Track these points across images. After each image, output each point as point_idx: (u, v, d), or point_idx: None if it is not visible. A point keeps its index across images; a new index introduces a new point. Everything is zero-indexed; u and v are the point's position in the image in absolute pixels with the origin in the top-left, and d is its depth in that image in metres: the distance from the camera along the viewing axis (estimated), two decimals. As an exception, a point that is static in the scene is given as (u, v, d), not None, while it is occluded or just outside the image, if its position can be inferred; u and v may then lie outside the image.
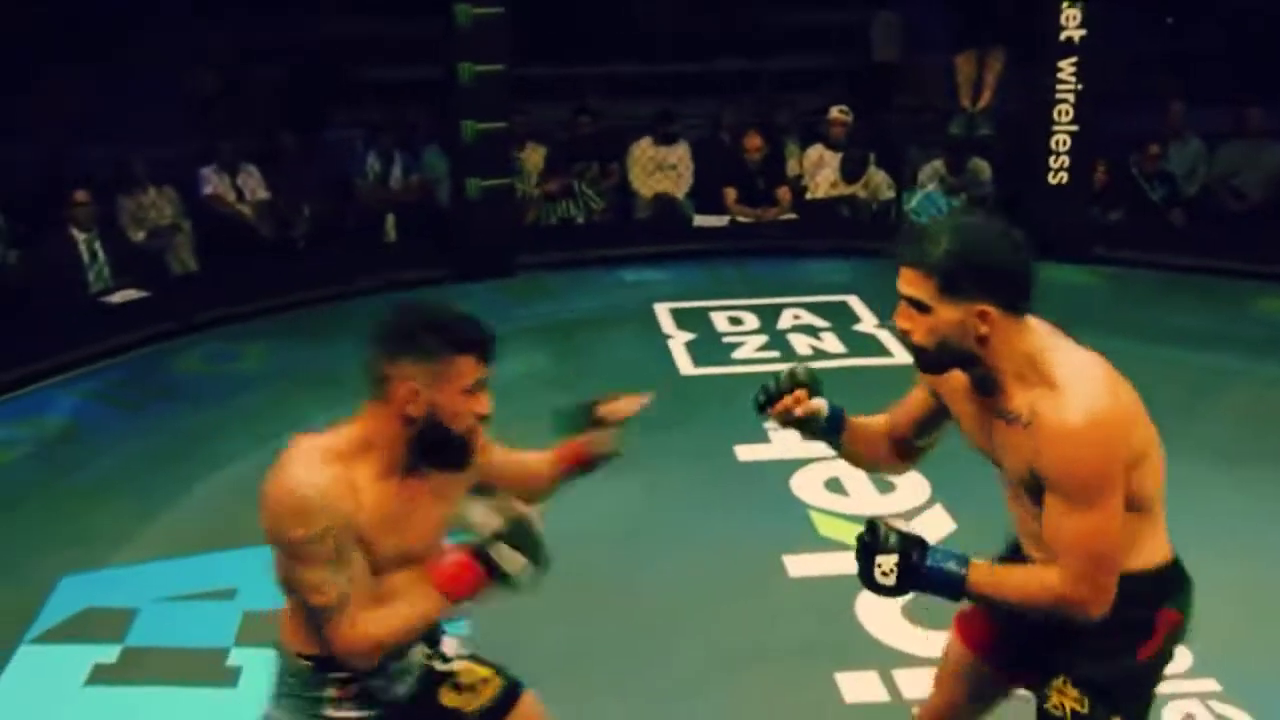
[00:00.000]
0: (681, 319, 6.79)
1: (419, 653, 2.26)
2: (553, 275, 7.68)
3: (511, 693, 2.38)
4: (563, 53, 9.34)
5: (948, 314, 1.97)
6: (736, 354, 6.25)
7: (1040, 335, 2.06)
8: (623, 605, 3.90)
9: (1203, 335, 6.32)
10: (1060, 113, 7.59)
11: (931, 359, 2.05)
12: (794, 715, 3.32)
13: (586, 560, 4.15)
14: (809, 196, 8.49)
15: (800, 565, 4.08)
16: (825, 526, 4.35)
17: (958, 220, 2.13)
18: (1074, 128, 7.57)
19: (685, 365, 6.12)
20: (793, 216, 8.39)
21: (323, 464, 2.01)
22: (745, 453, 4.99)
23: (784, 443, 5.03)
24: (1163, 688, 3.32)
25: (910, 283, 2.01)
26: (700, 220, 8.39)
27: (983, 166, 8.29)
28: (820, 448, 5.00)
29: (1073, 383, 1.98)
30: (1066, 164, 7.65)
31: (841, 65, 9.89)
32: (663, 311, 6.94)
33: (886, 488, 4.59)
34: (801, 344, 6.37)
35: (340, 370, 6.10)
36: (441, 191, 8.12)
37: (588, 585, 4.00)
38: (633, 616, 3.84)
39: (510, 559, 2.03)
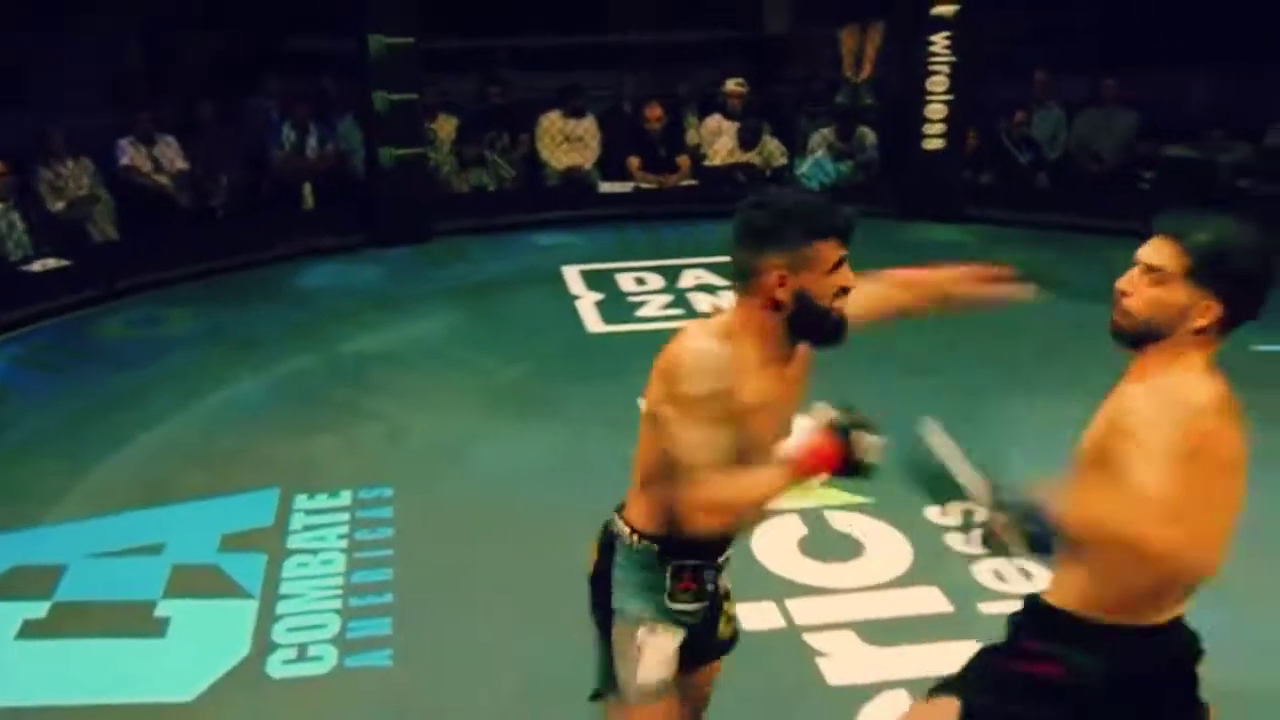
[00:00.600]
0: (590, 280, 6.78)
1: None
2: (468, 240, 7.60)
3: (735, 643, 2.40)
4: (471, 25, 9.17)
5: (1179, 295, 1.90)
6: (641, 312, 6.26)
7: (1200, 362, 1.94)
8: (553, 540, 3.89)
9: (1066, 286, 6.47)
10: (935, 83, 7.71)
11: (1128, 327, 1.97)
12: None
13: (520, 499, 4.19)
14: (707, 164, 8.50)
15: (702, 506, 4.12)
16: (725, 470, 4.38)
17: (1233, 219, 1.93)
18: (948, 97, 7.70)
19: (593, 323, 6.12)
20: (693, 182, 8.41)
21: (722, 339, 2.01)
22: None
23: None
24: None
25: (1159, 252, 1.91)
26: (606, 187, 8.36)
27: (868, 133, 8.39)
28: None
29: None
30: (941, 131, 7.78)
31: (736, 39, 9.88)
32: (572, 273, 6.91)
33: (781, 433, 4.64)
34: (703, 301, 6.40)
35: (261, 332, 5.99)
36: (357, 161, 7.96)
37: (520, 521, 4.04)
38: (562, 550, 3.84)
39: (866, 443, 1.96)
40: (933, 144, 7.82)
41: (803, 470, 1.95)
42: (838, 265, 2.03)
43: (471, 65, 9.09)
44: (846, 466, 1.95)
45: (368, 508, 4.17)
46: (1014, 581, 3.61)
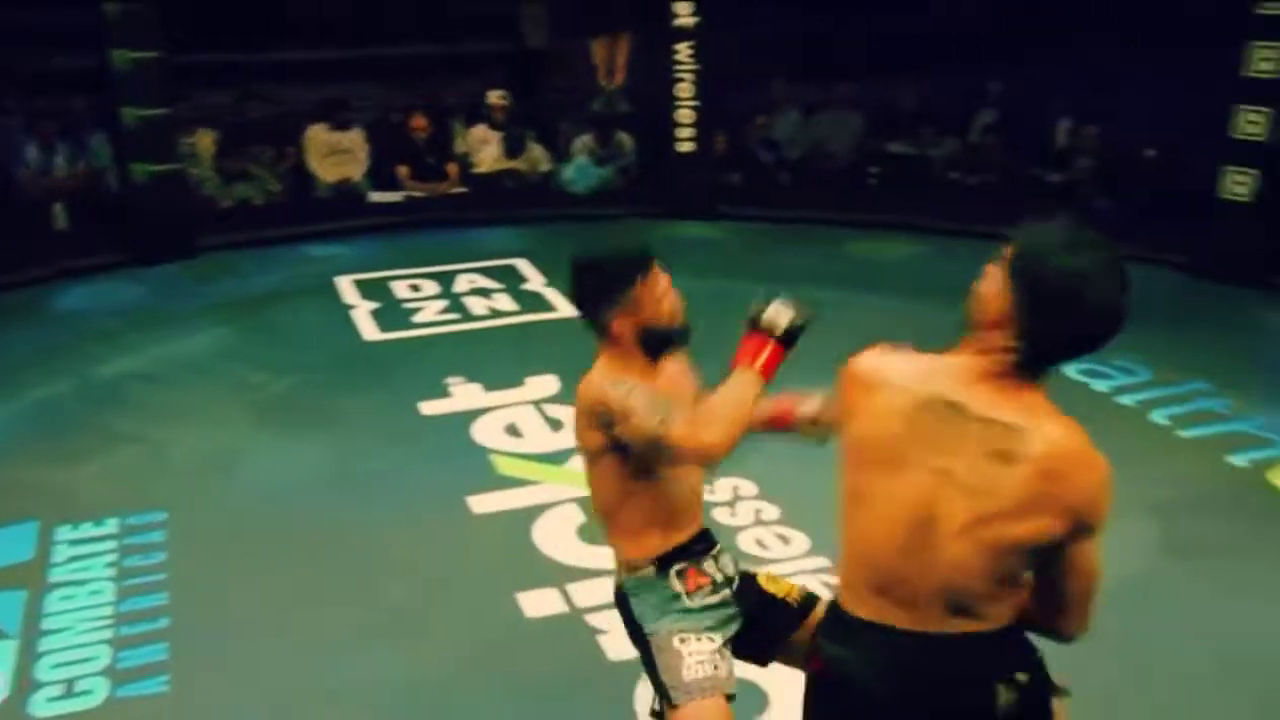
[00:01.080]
0: (364, 289, 6.54)
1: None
2: (235, 254, 7.19)
3: (813, 597, 2.33)
4: (229, 40, 8.67)
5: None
6: (417, 318, 6.09)
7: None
8: (327, 551, 3.74)
9: (808, 273, 6.74)
10: (682, 90, 7.88)
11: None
12: (484, 635, 3.30)
13: (293, 514, 3.98)
14: (475, 171, 8.39)
15: (482, 503, 4.05)
16: (504, 466, 4.33)
17: (1081, 251, 1.68)
18: (695, 103, 7.88)
19: (369, 331, 5.90)
20: (463, 190, 8.27)
21: (607, 372, 2.18)
22: (429, 408, 4.88)
23: (464, 396, 4.98)
24: (783, 569, 3.59)
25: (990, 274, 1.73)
26: (377, 196, 8.10)
27: (625, 139, 8.49)
28: (498, 397, 5.02)
29: None
30: (691, 134, 7.96)
31: (501, 52, 9.78)
32: (345, 283, 6.65)
33: (557, 426, 4.63)
34: (478, 305, 6.29)
35: (14, 358, 5.45)
36: (110, 178, 7.38)
37: (294, 536, 3.84)
38: (338, 561, 3.69)
39: (783, 312, 2.13)
40: (684, 147, 7.99)
41: (752, 363, 2.12)
42: (663, 288, 2.24)
43: (231, 79, 8.60)
44: (782, 340, 2.13)
45: (137, 533, 3.86)
46: (774, 548, 3.72)
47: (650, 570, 2.23)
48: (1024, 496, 1.64)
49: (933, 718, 1.75)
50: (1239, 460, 4.31)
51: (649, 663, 2.21)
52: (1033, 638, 1.82)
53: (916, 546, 1.71)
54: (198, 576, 3.60)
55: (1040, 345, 1.67)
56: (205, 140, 7.80)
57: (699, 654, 2.16)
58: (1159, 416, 4.72)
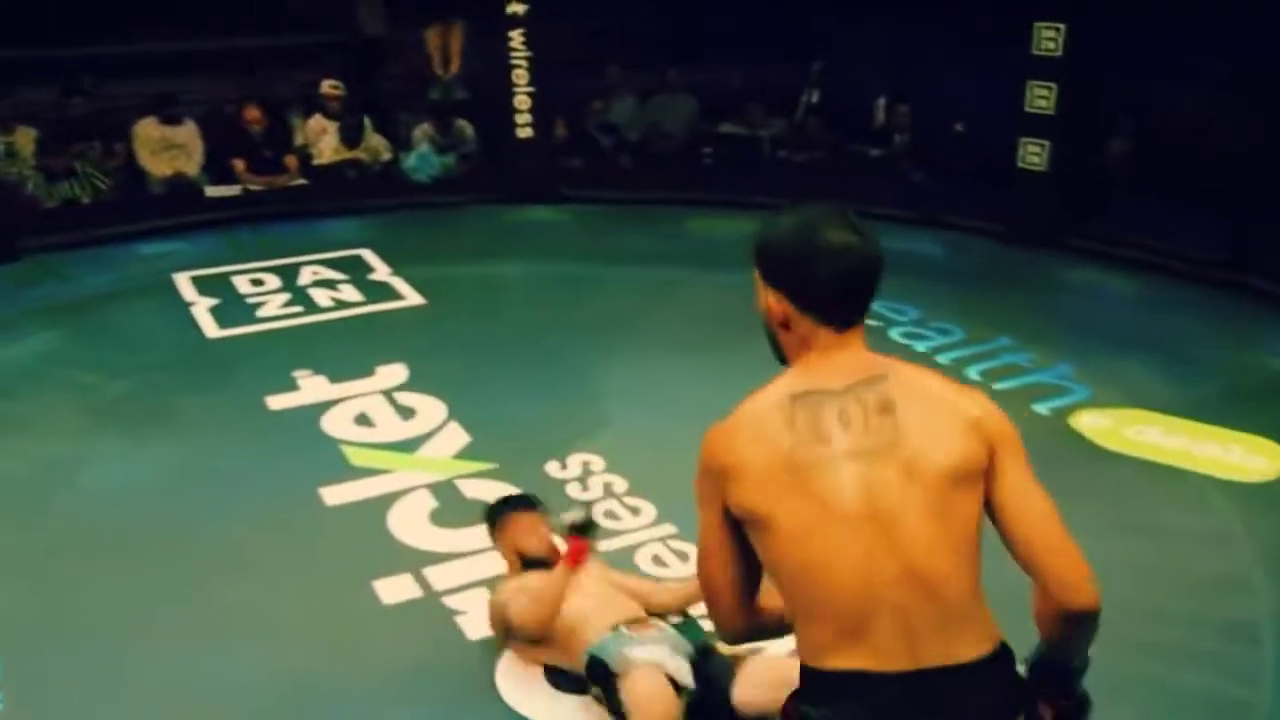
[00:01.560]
0: (203, 286, 6.25)
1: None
2: (62, 256, 6.76)
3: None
4: (48, 35, 8.11)
5: (762, 296, 1.70)
6: (261, 312, 5.85)
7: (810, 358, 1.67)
8: (178, 553, 3.58)
9: (651, 254, 6.83)
10: (518, 76, 7.81)
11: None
12: (343, 624, 3.23)
13: (140, 517, 3.80)
14: (315, 162, 8.09)
15: (336, 494, 3.94)
16: (356, 457, 4.23)
17: (791, 211, 1.71)
18: (531, 89, 7.83)
19: (210, 329, 5.64)
20: (303, 182, 7.97)
21: (509, 576, 3.16)
22: (276, 402, 4.72)
23: (312, 389, 4.83)
24: (634, 538, 3.64)
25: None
26: (213, 191, 7.73)
27: (465, 126, 8.35)
28: (347, 388, 4.89)
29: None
30: (529, 120, 7.91)
31: (335, 41, 9.46)
32: (183, 280, 6.33)
33: (408, 414, 4.55)
34: (322, 297, 6.10)
35: None
36: (-79, 180, 6.83)
37: (143, 539, 3.67)
38: (190, 560, 3.54)
39: (572, 515, 2.95)
40: (524, 133, 7.93)
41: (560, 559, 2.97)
42: (530, 526, 3.18)
43: (52, 75, 8.06)
44: (577, 532, 2.91)
45: (-32, 549, 3.61)
46: (625, 519, 3.76)
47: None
48: (928, 426, 1.58)
49: None
50: (1042, 409, 4.59)
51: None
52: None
53: (881, 551, 1.55)
54: (32, 588, 3.39)
55: (812, 299, 1.63)
56: (25, 138, 7.30)
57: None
58: (973, 372, 4.97)
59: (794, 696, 1.65)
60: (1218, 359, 5.15)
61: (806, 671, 1.62)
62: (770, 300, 1.68)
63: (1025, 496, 1.60)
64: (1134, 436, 4.34)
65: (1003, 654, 1.62)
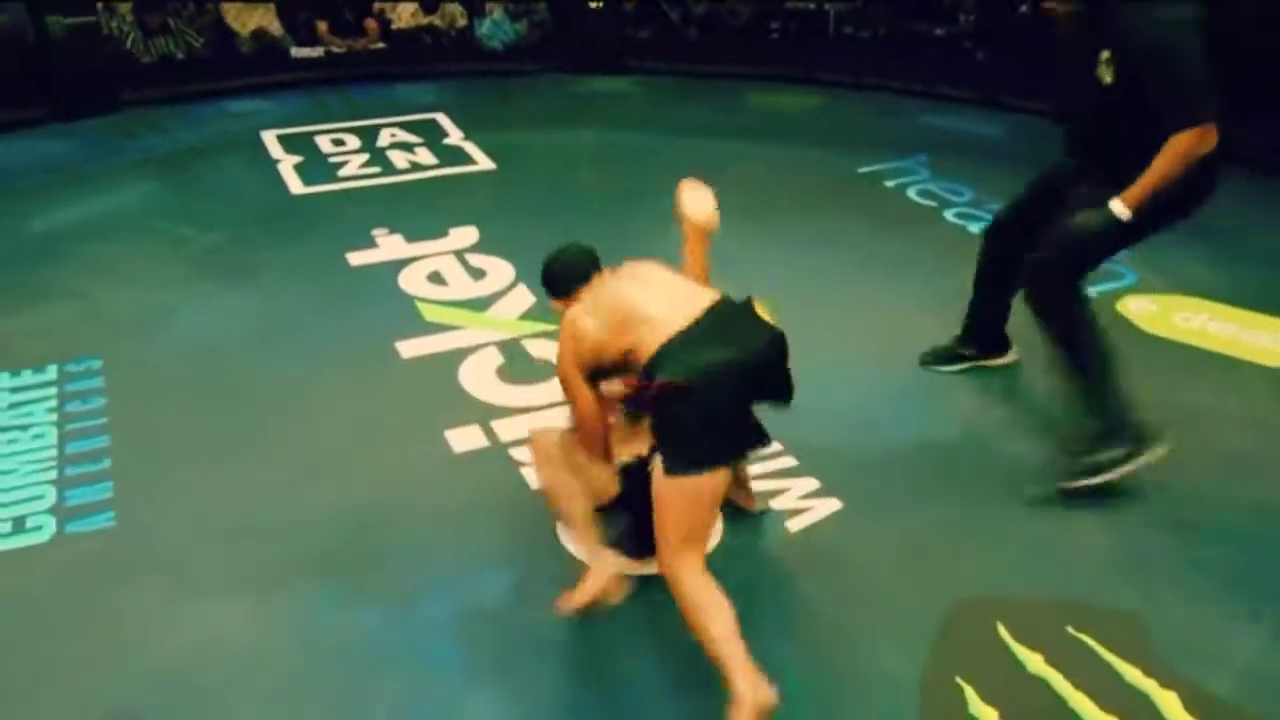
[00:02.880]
0: (288, 144, 6.16)
1: None
2: (159, 110, 6.69)
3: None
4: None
5: None
6: (342, 172, 5.76)
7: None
8: (263, 397, 3.62)
9: (714, 126, 6.59)
10: (593, -54, 7.42)
11: None
12: (415, 468, 3.25)
13: (227, 362, 3.83)
14: (394, 27, 7.86)
15: (410, 348, 3.93)
16: (430, 313, 4.20)
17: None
18: (604, -41, 7.44)
19: (295, 185, 5.58)
20: (382, 45, 7.76)
21: None
22: (356, 258, 4.68)
23: (389, 247, 4.78)
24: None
25: None
26: (297, 52, 7.55)
27: (538, -5, 8.00)
28: (422, 248, 4.84)
29: None
30: (602, -9, 7.55)
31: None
32: (270, 138, 6.24)
33: (479, 275, 4.49)
34: (400, 158, 5.98)
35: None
36: (26, 33, 6.72)
37: (229, 383, 3.69)
38: (271, 405, 3.57)
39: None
40: (594, 3, 7.58)
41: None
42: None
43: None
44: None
45: (76, 380, 3.68)
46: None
47: None
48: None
49: None
50: (1090, 292, 4.37)
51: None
52: None
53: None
54: (137, 421, 3.46)
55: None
56: (122, -6, 7.15)
57: None
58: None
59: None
60: (1273, 248, 4.87)
61: None
62: None
63: None
64: (1182, 323, 4.14)
65: None
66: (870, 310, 4.21)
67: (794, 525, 2.99)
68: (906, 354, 3.83)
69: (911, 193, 5.52)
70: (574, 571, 2.68)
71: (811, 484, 3.14)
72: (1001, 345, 3.75)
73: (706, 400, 2.30)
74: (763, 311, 2.51)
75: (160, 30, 7.22)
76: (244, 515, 3.03)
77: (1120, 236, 2.98)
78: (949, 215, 5.19)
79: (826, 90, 7.35)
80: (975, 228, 5.04)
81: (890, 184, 5.66)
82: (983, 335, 3.71)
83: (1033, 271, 3.07)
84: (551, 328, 3.99)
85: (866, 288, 4.40)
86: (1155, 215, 2.95)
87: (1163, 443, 3.02)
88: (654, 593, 2.59)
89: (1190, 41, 2.76)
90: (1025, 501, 3.06)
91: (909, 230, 4.96)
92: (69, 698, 2.43)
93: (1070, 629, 2.59)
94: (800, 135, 6.45)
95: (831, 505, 3.07)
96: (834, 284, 4.45)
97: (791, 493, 3.11)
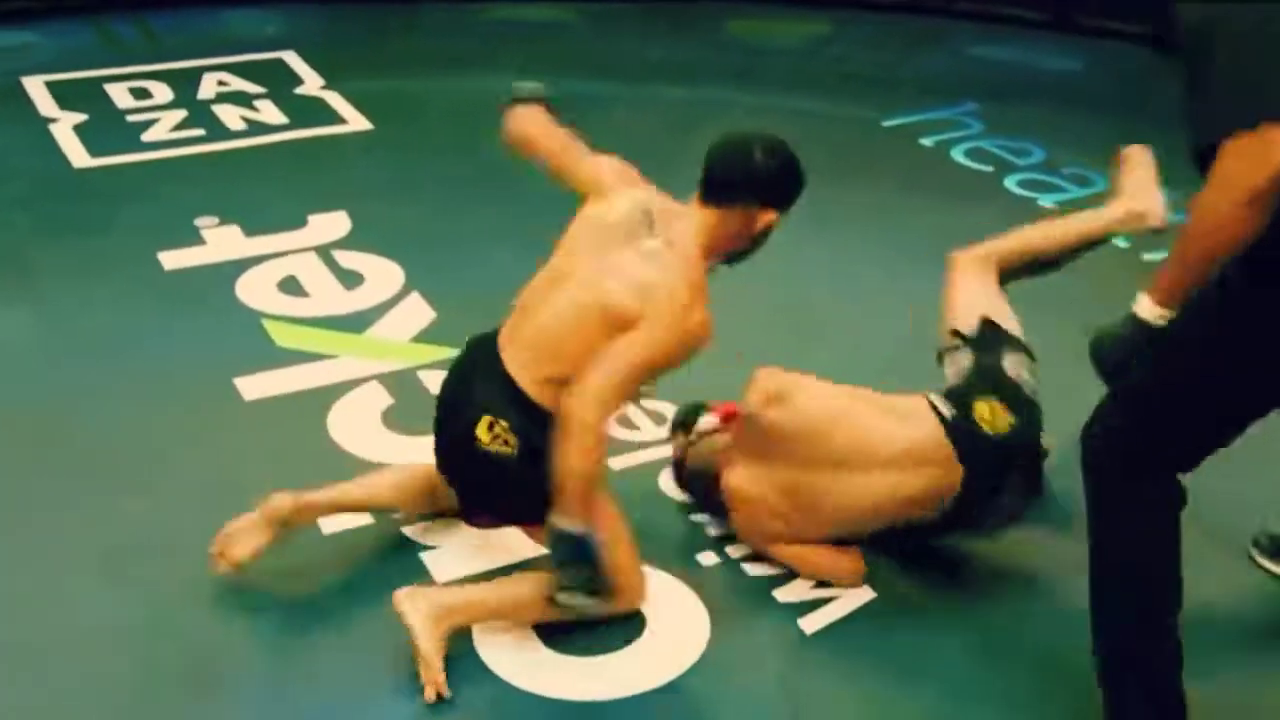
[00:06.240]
0: (65, 95, 6.17)
1: None
2: None
3: None
4: None
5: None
6: (147, 135, 5.79)
7: None
8: (57, 453, 3.57)
9: (683, 67, 6.69)
10: None
11: None
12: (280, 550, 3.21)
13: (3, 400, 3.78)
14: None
15: (256, 386, 3.90)
16: (283, 336, 4.19)
17: None
18: None
19: (79, 156, 5.56)
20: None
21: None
22: (172, 259, 4.66)
23: (222, 242, 4.79)
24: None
25: None
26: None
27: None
28: (270, 243, 4.83)
29: None
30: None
31: None
32: (36, 86, 6.26)
33: (353, 281, 4.51)
34: (232, 116, 6.02)
35: None
36: None
37: (8, 428, 3.66)
38: (70, 464, 3.52)
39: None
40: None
41: None
42: None
43: None
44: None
45: None
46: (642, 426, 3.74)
47: None
48: None
49: None
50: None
51: None
52: None
53: None
54: None
55: None
56: None
57: None
58: (1120, 239, 4.88)
59: None
60: None
61: None
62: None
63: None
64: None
65: None
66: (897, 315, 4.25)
67: (808, 624, 3.03)
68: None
69: (958, 153, 5.63)
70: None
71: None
72: None
73: None
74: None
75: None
76: (39, 622, 2.97)
77: None
78: (1011, 183, 5.31)
79: (833, 12, 7.50)
80: (1049, 200, 5.16)
81: (928, 141, 5.76)
82: None
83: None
84: (456, 353, 4.00)
85: (882, 295, 4.48)
86: None
87: None
88: None
89: None
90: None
91: (957, 206, 5.06)
92: None
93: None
94: (800, 77, 6.57)
95: (862, 596, 3.11)
96: (833, 285, 4.56)
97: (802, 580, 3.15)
